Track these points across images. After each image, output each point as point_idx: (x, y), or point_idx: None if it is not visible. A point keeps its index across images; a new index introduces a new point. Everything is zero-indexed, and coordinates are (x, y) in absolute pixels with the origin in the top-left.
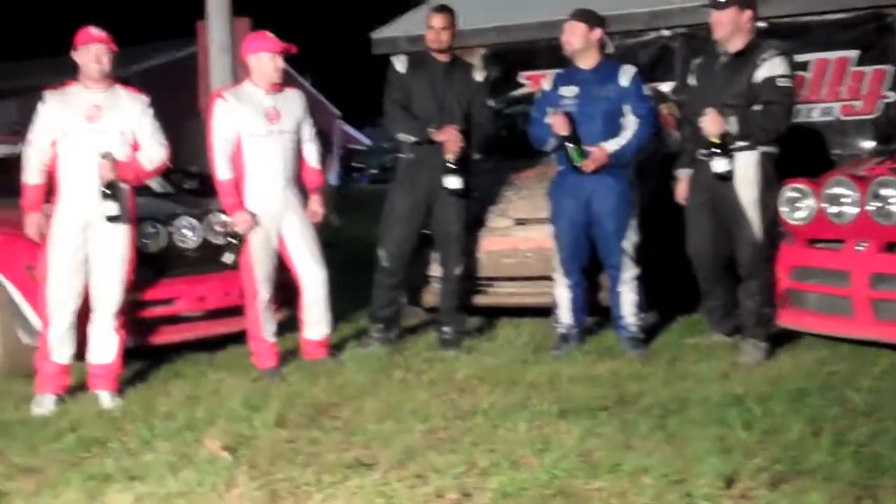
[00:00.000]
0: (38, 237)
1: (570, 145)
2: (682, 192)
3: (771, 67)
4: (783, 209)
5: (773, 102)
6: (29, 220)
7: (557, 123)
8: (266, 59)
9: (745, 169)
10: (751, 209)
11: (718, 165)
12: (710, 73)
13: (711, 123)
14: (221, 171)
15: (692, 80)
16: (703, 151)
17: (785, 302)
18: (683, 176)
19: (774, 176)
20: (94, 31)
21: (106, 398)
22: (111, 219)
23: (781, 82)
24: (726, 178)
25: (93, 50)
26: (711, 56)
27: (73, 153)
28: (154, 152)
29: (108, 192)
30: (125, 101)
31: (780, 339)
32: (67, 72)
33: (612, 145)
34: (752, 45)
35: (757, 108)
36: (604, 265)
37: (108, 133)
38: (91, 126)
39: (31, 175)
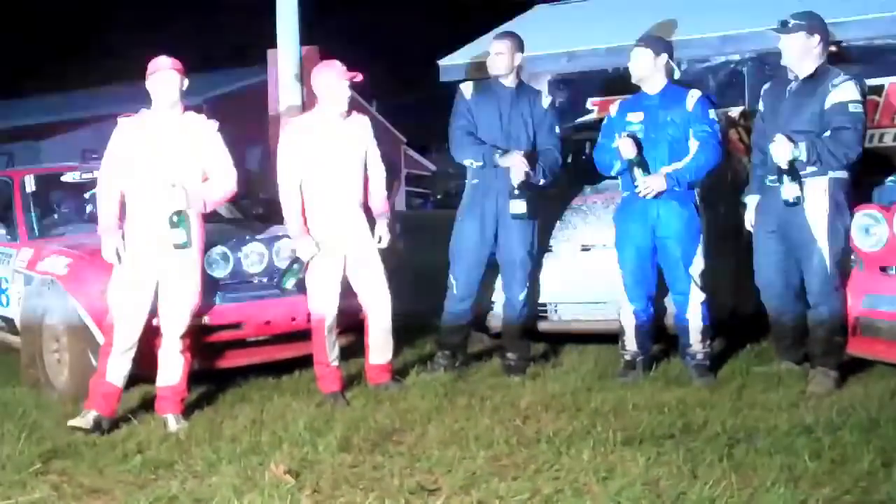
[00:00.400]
0: (115, 259)
1: (637, 169)
2: (750, 218)
3: (842, 92)
4: (855, 235)
5: (843, 128)
6: (106, 242)
7: (624, 146)
8: (334, 87)
9: (814, 195)
10: (821, 236)
11: (787, 192)
12: (781, 99)
13: (780, 149)
14: (288, 198)
15: (761, 106)
16: (772, 177)
17: (856, 330)
18: (752, 202)
19: (845, 202)
20: (164, 60)
21: (172, 421)
22: (178, 246)
23: (853, 107)
24: (795, 204)
25: (163, 78)
26: (781, 81)
27: (144, 179)
28: (223, 179)
29: (175, 219)
30: (195, 128)
31: (851, 368)
32: (139, 100)
33: (668, 168)
34: (822, 69)
35: (827, 133)
36: (670, 291)
37: (179, 160)
38: (162, 153)
39: (106, 199)
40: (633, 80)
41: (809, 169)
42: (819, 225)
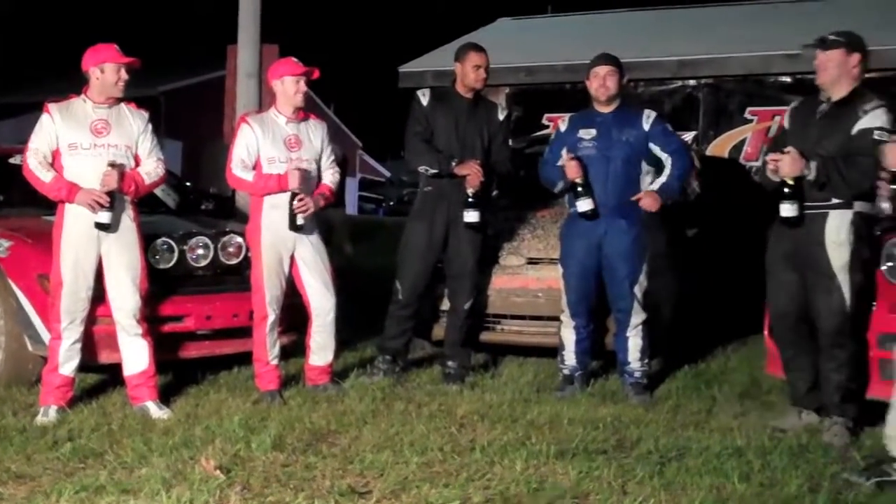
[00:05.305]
0: (101, 195)
1: (580, 191)
2: None
3: (872, 119)
4: (884, 267)
5: (861, 153)
6: (80, 197)
7: (570, 168)
8: (289, 82)
9: (837, 230)
10: (841, 273)
11: (787, 210)
12: (810, 121)
13: (789, 164)
14: (246, 176)
15: (787, 124)
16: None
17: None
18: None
19: (867, 237)
20: (116, 51)
21: (153, 408)
22: (100, 226)
23: (877, 134)
24: (795, 224)
25: (114, 69)
26: (812, 102)
27: (80, 166)
28: (153, 167)
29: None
30: (128, 116)
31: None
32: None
33: (655, 184)
34: (857, 93)
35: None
36: (612, 309)
37: (115, 147)
38: (98, 140)
39: (47, 173)
40: (602, 99)
41: (835, 200)
42: (840, 261)
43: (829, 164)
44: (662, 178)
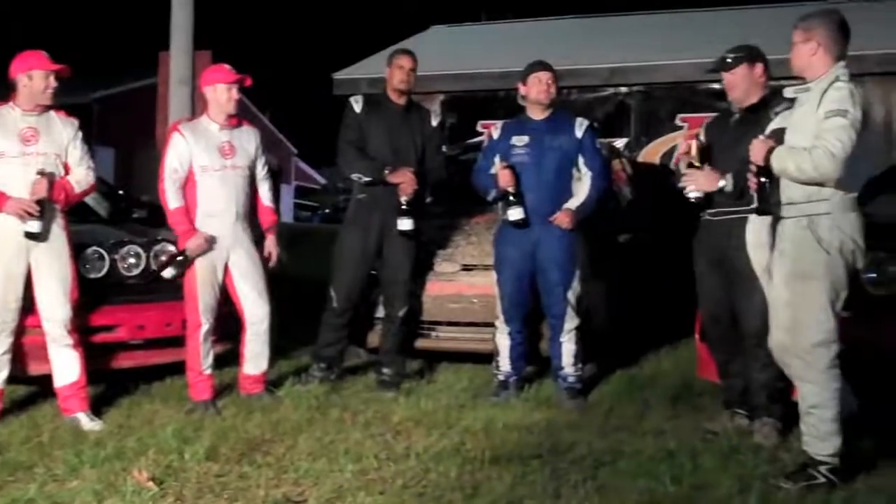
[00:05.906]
0: (30, 204)
1: (512, 199)
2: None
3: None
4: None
5: None
6: (9, 205)
7: (503, 177)
8: (221, 90)
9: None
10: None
11: (693, 192)
12: (724, 131)
13: (704, 179)
14: (172, 201)
15: (703, 138)
16: (712, 211)
17: None
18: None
19: None
20: (46, 59)
21: (85, 420)
22: (29, 235)
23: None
24: (698, 204)
25: (44, 76)
26: (725, 114)
27: (8, 174)
28: (83, 175)
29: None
30: (58, 124)
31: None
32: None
33: (573, 203)
34: (767, 98)
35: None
36: (546, 315)
37: (44, 155)
38: (27, 148)
39: None
40: (545, 102)
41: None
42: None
43: (743, 171)
44: (581, 197)
